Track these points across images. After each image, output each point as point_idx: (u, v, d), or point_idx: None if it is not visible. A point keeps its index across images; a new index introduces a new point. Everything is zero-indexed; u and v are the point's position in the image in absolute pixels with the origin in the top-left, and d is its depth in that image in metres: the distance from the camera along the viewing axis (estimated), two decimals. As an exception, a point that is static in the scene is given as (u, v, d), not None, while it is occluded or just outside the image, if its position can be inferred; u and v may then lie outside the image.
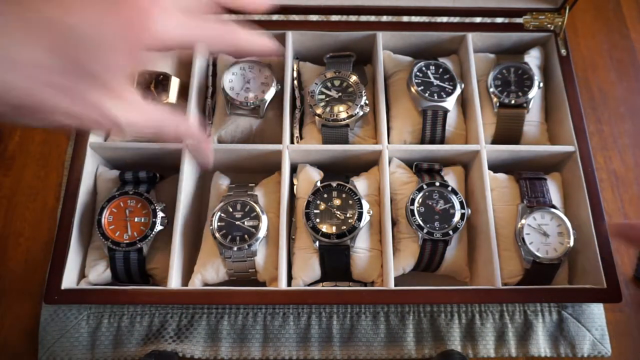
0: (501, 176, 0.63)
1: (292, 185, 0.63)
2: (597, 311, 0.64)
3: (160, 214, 0.59)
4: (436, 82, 0.65)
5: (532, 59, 0.68)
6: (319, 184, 0.61)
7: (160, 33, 0.32)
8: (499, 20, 0.72)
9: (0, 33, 0.27)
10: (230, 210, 0.59)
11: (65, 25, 0.29)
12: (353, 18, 0.74)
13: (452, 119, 0.65)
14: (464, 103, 0.68)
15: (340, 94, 0.64)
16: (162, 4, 0.32)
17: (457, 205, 0.60)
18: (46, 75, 0.29)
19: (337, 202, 0.60)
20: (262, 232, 0.58)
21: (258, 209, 0.59)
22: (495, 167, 0.64)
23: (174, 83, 0.66)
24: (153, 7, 0.31)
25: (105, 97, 0.32)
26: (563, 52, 0.67)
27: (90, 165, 0.62)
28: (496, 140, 0.65)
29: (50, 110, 0.31)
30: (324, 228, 0.58)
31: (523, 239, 0.58)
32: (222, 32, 0.37)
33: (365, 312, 0.64)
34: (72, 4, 0.29)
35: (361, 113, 0.63)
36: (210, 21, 0.37)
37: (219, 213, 0.59)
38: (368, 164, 0.65)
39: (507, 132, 0.65)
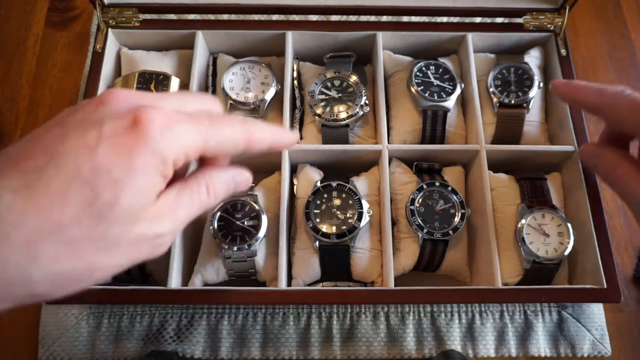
0: (501, 176, 0.63)
1: (292, 185, 0.63)
2: (597, 311, 0.64)
3: (160, 214, 0.59)
4: (436, 82, 0.65)
5: (532, 59, 0.68)
6: (319, 184, 0.61)
7: (173, 139, 0.30)
8: (499, 20, 0.72)
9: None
10: (230, 210, 0.59)
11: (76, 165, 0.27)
12: (353, 18, 0.74)
13: (452, 119, 0.65)
14: (464, 103, 0.68)
15: (340, 94, 0.64)
16: (164, 119, 0.30)
17: (457, 205, 0.60)
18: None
19: (337, 202, 0.60)
20: (262, 232, 0.58)
21: (258, 209, 0.59)
22: (495, 167, 0.64)
23: (174, 83, 0.66)
24: (156, 118, 0.29)
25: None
26: (563, 52, 0.67)
27: (90, 165, 0.62)
28: (496, 140, 0.65)
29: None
30: (324, 228, 0.58)
31: (523, 239, 0.58)
32: (243, 131, 0.35)
33: (365, 312, 0.64)
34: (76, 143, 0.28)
35: (361, 113, 0.63)
36: (229, 120, 0.35)
37: (219, 213, 0.59)
38: (368, 164, 0.65)
39: (507, 132, 0.65)
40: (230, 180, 0.37)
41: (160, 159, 0.29)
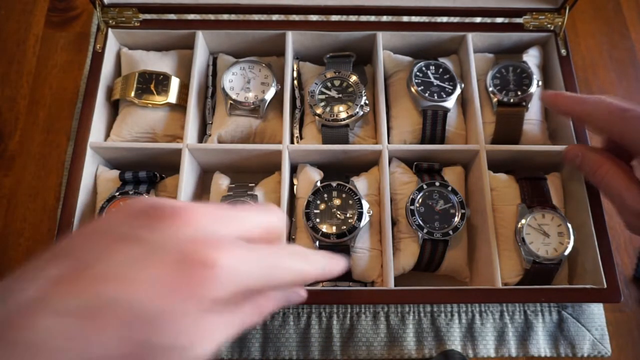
0: (501, 176, 0.63)
1: (292, 185, 0.63)
2: (597, 311, 0.64)
3: (160, 214, 0.59)
4: (436, 82, 0.65)
5: (531, 57, 0.68)
6: (319, 184, 0.61)
7: (229, 282, 0.29)
8: (499, 20, 0.72)
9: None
10: (230, 210, 0.59)
11: (129, 304, 0.26)
12: (353, 18, 0.74)
13: (452, 119, 0.65)
14: (463, 103, 0.68)
15: (340, 94, 0.64)
16: (228, 252, 0.29)
17: (457, 205, 0.60)
18: None
19: (337, 202, 0.60)
20: (262, 232, 0.58)
21: (258, 209, 0.59)
22: (495, 167, 0.64)
23: (174, 83, 0.66)
24: (220, 261, 0.28)
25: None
26: (563, 52, 0.67)
27: (90, 165, 0.62)
28: (496, 139, 0.65)
29: None
30: (324, 228, 0.58)
31: (523, 239, 0.58)
32: (300, 276, 0.33)
33: (365, 312, 0.64)
34: (130, 278, 0.27)
35: (361, 113, 0.63)
36: (284, 251, 0.33)
37: (219, 213, 0.59)
38: (368, 164, 0.65)
39: (507, 131, 0.65)
40: (282, 297, 0.36)
41: (214, 302, 0.29)
